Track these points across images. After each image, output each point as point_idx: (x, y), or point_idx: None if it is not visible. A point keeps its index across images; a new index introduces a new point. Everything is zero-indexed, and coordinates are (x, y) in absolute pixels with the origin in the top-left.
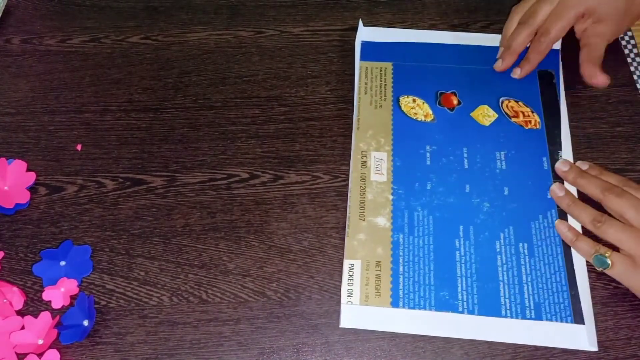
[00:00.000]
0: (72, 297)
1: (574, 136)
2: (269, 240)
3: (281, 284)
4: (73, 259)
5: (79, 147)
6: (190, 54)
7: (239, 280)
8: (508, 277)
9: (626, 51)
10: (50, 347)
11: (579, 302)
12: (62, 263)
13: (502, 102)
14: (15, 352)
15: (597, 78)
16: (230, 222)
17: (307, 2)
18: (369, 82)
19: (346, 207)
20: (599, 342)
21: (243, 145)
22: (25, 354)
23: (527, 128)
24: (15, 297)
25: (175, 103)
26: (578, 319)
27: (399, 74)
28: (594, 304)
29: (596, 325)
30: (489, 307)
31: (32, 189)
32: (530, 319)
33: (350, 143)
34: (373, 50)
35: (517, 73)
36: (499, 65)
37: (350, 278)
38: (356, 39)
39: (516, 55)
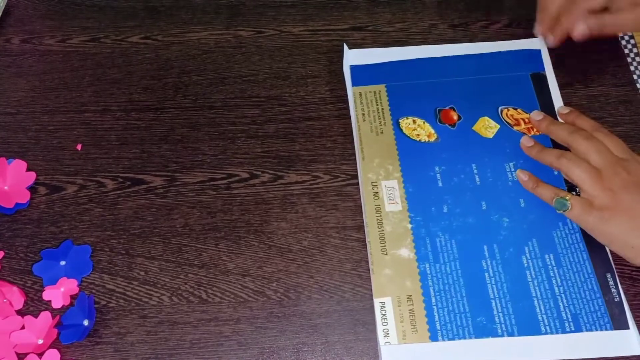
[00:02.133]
0: (72, 297)
1: None
2: (268, 240)
3: (281, 283)
4: (73, 258)
5: (79, 147)
6: (190, 53)
7: (238, 280)
8: (540, 291)
9: (626, 51)
10: (50, 347)
11: (616, 307)
12: (62, 263)
13: (502, 111)
14: (15, 352)
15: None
16: (230, 221)
17: (307, 2)
18: (365, 107)
19: (346, 207)
20: None
21: (243, 145)
22: (26, 354)
23: (530, 135)
24: (15, 296)
25: (175, 103)
26: (617, 324)
27: (394, 96)
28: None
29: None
30: (528, 326)
31: (32, 189)
32: (570, 332)
33: (351, 143)
34: (363, 74)
35: (551, 40)
36: (537, 31)
37: (384, 317)
38: (344, 65)
39: (553, 19)
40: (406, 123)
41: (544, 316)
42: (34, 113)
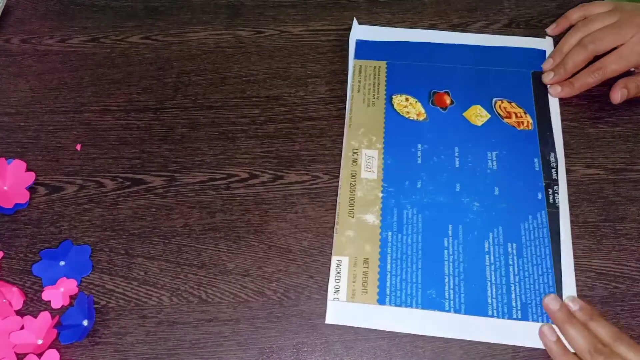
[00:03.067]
0: (72, 297)
1: (573, 136)
2: (268, 240)
3: (281, 283)
4: (72, 259)
5: (78, 147)
6: (189, 54)
7: (238, 280)
8: (496, 277)
9: None
10: (49, 347)
11: None
12: (62, 263)
13: (495, 103)
14: (15, 352)
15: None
16: (230, 222)
17: (306, 2)
18: (362, 80)
19: None
20: None
21: (243, 145)
22: (25, 354)
23: (519, 129)
24: (15, 297)
25: (174, 103)
26: None
27: (393, 73)
28: (595, 303)
29: None
30: (476, 307)
31: (32, 189)
32: (517, 319)
33: None
34: (367, 49)
35: (557, 91)
36: (549, 80)
37: (338, 274)
38: (350, 37)
39: (569, 75)
40: (399, 100)
41: (494, 300)
42: (33, 113)
